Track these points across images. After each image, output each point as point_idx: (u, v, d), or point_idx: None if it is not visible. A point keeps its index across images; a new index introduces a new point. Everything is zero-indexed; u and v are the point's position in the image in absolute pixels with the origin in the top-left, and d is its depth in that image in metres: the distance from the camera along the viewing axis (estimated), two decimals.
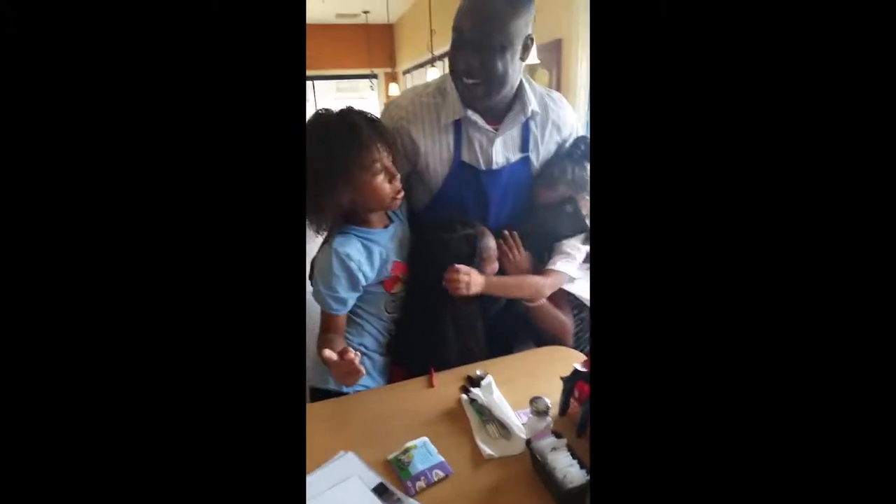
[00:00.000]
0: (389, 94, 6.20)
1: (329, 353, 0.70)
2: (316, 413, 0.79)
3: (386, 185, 0.82)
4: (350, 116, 0.81)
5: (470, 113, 0.88)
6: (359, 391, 0.85)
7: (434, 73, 4.07)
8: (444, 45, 4.63)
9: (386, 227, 0.90)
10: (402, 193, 0.86)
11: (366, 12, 6.08)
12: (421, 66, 6.01)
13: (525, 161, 0.94)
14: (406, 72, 6.58)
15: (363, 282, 0.85)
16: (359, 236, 0.85)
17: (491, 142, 0.91)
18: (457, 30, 0.83)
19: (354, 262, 0.82)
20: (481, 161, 0.92)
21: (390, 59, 6.76)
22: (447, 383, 0.84)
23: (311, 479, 0.62)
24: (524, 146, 0.93)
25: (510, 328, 1.04)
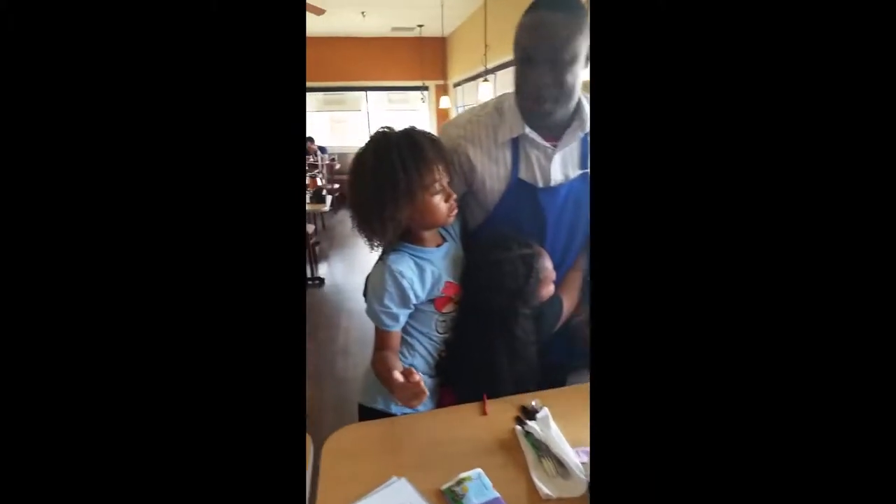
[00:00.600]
0: (441, 106, 6.28)
1: (397, 375, 0.70)
2: (366, 433, 0.79)
3: (443, 205, 0.83)
4: (413, 135, 0.81)
5: (528, 130, 0.87)
6: (407, 413, 0.84)
7: (486, 87, 4.08)
8: (496, 60, 4.65)
9: (439, 245, 0.90)
10: (455, 212, 0.86)
11: (420, 26, 6.22)
12: (472, 79, 6.06)
13: (584, 177, 0.91)
14: (457, 84, 6.66)
15: (414, 300, 0.84)
16: (412, 254, 0.85)
17: (549, 158, 0.89)
18: (522, 48, 0.81)
19: (407, 280, 0.82)
20: (539, 178, 0.90)
21: (442, 72, 6.86)
22: (500, 412, 0.82)
23: (370, 500, 0.61)
24: (583, 162, 0.91)
25: (564, 357, 1.01)
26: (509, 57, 5.08)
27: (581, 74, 0.83)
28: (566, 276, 0.98)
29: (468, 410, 0.84)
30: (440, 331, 0.91)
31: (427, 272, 0.85)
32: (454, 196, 0.85)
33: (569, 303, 0.95)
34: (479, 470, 0.66)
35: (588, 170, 0.91)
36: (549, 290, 0.91)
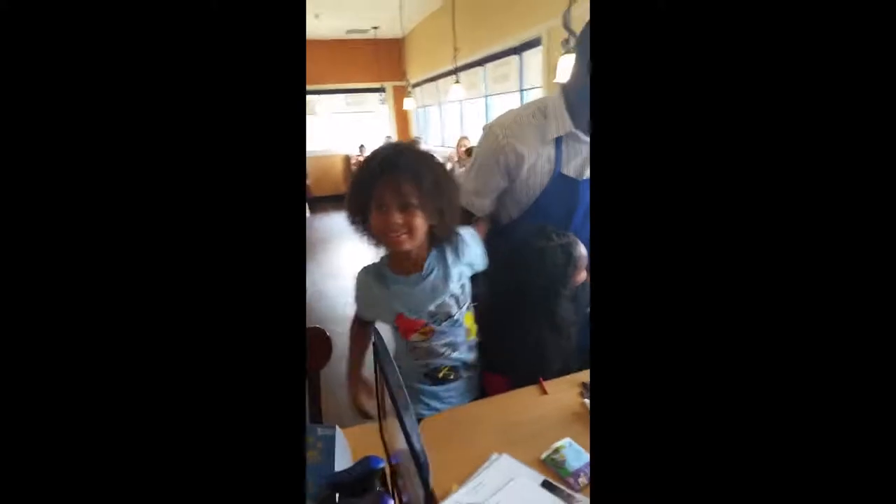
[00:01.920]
0: (404, 107, 6.29)
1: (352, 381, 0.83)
2: (442, 424, 0.85)
3: (392, 224, 0.79)
4: (394, 146, 0.85)
5: (575, 129, 0.96)
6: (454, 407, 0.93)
7: (457, 88, 4.15)
8: (461, 59, 4.71)
9: (409, 274, 0.89)
10: (419, 238, 0.83)
11: (375, 28, 6.20)
12: (433, 79, 6.11)
13: None
14: (416, 85, 6.69)
15: (370, 317, 0.95)
16: (376, 273, 0.92)
17: (588, 154, 0.99)
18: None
19: (360, 294, 0.93)
20: (580, 172, 1.00)
21: (400, 73, 6.86)
22: (560, 391, 0.90)
23: (481, 479, 0.67)
24: None
25: None
26: (472, 57, 5.14)
27: None
28: None
29: (527, 393, 0.91)
30: (413, 357, 0.93)
31: (382, 297, 0.90)
32: (427, 220, 0.82)
33: None
34: (568, 439, 0.74)
35: None
36: (582, 275, 1.00)
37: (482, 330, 1.00)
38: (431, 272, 0.90)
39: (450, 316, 0.92)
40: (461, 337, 0.95)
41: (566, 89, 0.99)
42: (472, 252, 0.95)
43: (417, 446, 0.36)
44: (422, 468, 0.35)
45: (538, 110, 1.00)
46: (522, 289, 0.95)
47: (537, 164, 0.99)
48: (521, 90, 4.03)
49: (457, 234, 0.91)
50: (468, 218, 1.11)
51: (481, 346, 1.00)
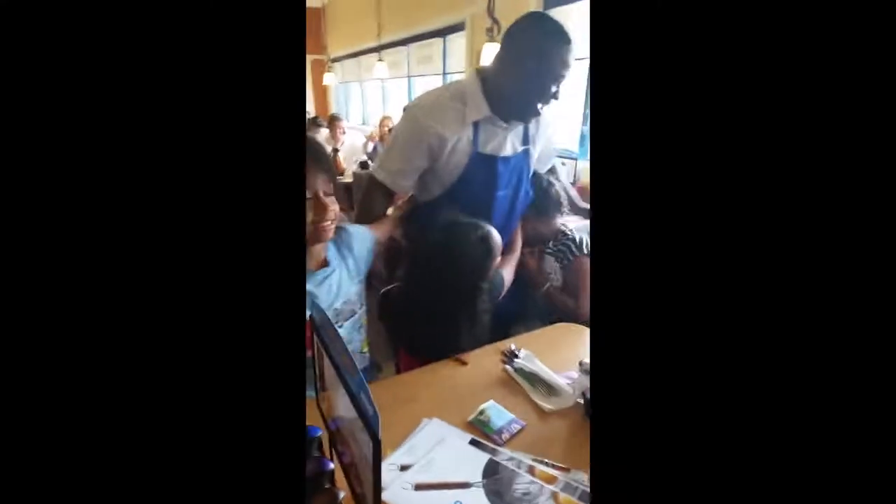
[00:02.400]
0: (324, 82, 6.01)
1: None
2: (375, 393, 0.88)
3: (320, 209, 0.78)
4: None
5: (492, 115, 1.05)
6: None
7: (381, 66, 4.06)
8: (385, 37, 4.59)
9: (313, 269, 0.87)
10: (325, 230, 0.81)
11: None
12: (354, 55, 5.89)
13: (526, 152, 1.15)
14: (335, 60, 6.41)
15: None
16: None
17: (503, 136, 1.09)
18: (555, 76, 0.98)
19: None
20: (497, 150, 1.10)
21: (320, 46, 6.52)
22: (482, 359, 0.97)
23: (413, 442, 0.72)
24: (525, 140, 1.14)
25: (510, 314, 1.24)
26: (396, 36, 5.02)
27: None
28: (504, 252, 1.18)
29: (448, 365, 0.97)
30: None
31: None
32: (328, 212, 0.79)
33: (508, 274, 1.14)
34: (492, 401, 0.81)
35: (528, 146, 1.14)
36: (496, 261, 1.07)
37: (399, 316, 1.04)
38: (339, 266, 0.90)
39: (354, 313, 0.93)
40: (356, 344, 0.96)
41: (483, 76, 1.06)
42: (361, 246, 0.96)
43: (366, 400, 0.39)
44: (370, 421, 0.37)
45: (456, 95, 1.06)
46: (444, 284, 0.99)
47: (458, 145, 1.05)
48: (445, 73, 4.06)
49: (344, 227, 0.92)
50: (390, 196, 1.14)
51: (398, 331, 1.04)
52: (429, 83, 4.45)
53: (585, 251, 1.24)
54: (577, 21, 2.56)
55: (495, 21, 2.55)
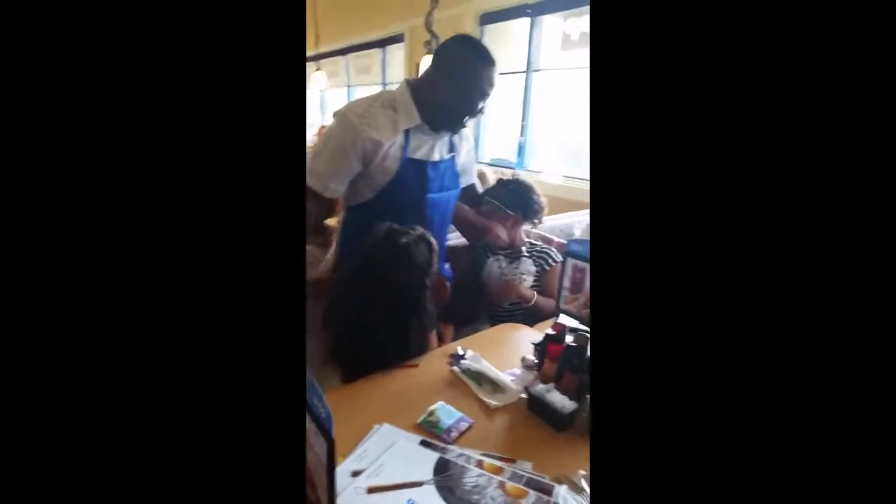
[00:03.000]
0: None
1: None
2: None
3: None
4: None
5: (422, 123, 1.12)
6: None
7: (319, 76, 4.00)
8: (323, 46, 4.52)
9: None
10: None
11: None
12: None
13: (452, 158, 1.25)
14: None
15: None
16: None
17: (431, 143, 1.17)
18: (481, 94, 1.08)
19: None
20: (426, 156, 1.17)
21: None
22: (430, 363, 1.00)
23: (364, 448, 0.72)
24: (451, 148, 1.24)
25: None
26: (334, 46, 4.93)
27: None
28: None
29: (397, 371, 0.98)
30: None
31: None
32: None
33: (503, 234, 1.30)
34: (441, 402, 0.84)
35: (454, 153, 1.24)
36: (435, 264, 1.11)
37: (344, 322, 1.04)
38: None
39: None
40: None
41: (413, 85, 1.12)
42: None
43: (319, 404, 0.40)
44: (324, 423, 0.39)
45: (387, 103, 1.11)
46: (392, 282, 0.99)
47: (390, 150, 1.10)
48: (384, 83, 4.08)
49: None
50: (322, 203, 1.15)
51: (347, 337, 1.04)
52: (369, 93, 4.44)
53: (560, 259, 1.37)
54: (517, 36, 2.68)
55: (433, 34, 2.61)
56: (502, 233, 1.33)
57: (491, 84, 1.08)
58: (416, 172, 1.14)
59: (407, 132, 1.12)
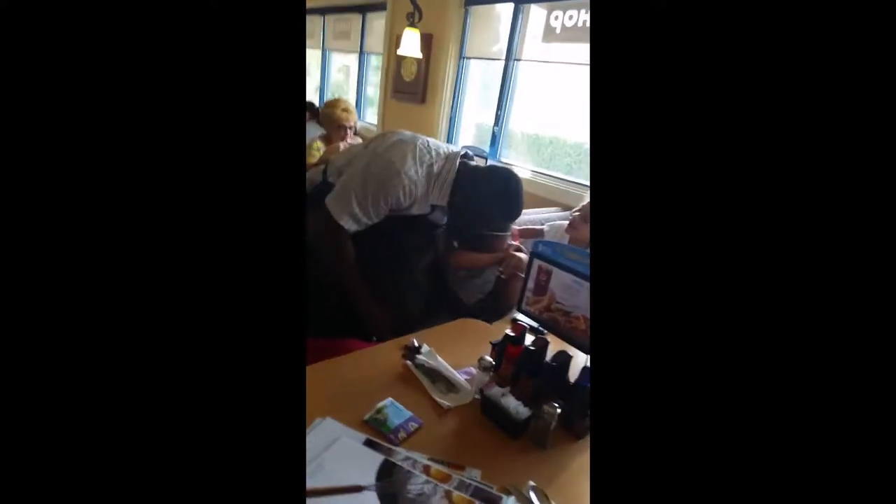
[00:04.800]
0: None
1: None
2: None
3: None
4: None
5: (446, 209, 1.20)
6: None
7: None
8: None
9: None
10: None
11: None
12: None
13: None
14: None
15: None
16: None
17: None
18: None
19: None
20: (438, 220, 1.24)
21: None
22: (386, 354, 0.95)
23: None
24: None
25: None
26: (317, 2, 4.64)
27: None
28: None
29: (353, 359, 0.94)
30: None
31: None
32: None
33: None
34: (390, 398, 0.79)
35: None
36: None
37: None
38: None
39: None
40: None
41: (458, 180, 1.12)
42: None
43: None
44: None
45: (430, 172, 1.11)
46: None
47: (413, 210, 1.13)
48: (362, 51, 3.90)
49: None
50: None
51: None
52: (346, 59, 4.25)
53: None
54: (504, 21, 2.61)
55: (417, 7, 2.50)
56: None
57: (512, 218, 1.18)
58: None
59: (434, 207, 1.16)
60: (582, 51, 2.21)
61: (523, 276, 1.28)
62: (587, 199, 1.61)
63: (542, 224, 1.80)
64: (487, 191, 1.11)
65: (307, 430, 0.70)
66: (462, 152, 1.16)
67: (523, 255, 1.29)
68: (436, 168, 1.11)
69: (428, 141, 1.14)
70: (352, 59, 4.07)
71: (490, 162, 2.59)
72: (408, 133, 1.15)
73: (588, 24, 2.18)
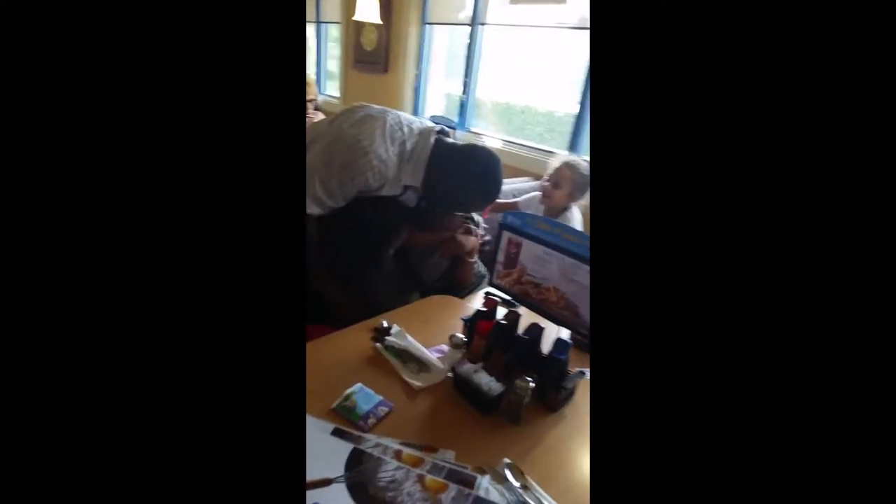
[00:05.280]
0: None
1: None
2: None
3: None
4: None
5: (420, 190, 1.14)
6: None
7: None
8: None
9: None
10: None
11: None
12: None
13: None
14: None
15: None
16: None
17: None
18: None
19: None
20: (409, 201, 1.17)
21: None
22: (353, 337, 0.91)
23: None
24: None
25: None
26: None
27: None
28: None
29: (322, 343, 0.90)
30: None
31: None
32: None
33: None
34: (359, 384, 0.76)
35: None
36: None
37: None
38: None
39: None
40: None
41: (432, 161, 1.04)
42: None
43: None
44: None
45: (402, 150, 1.02)
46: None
47: (384, 191, 1.06)
48: (318, 21, 3.71)
49: None
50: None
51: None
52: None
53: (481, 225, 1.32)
54: None
55: None
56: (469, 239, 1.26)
57: (490, 202, 1.13)
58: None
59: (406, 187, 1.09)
60: (551, 12, 2.14)
61: (471, 260, 1.26)
62: (555, 164, 1.57)
63: (516, 196, 1.77)
64: (465, 172, 1.05)
65: None
66: (438, 128, 1.08)
67: (469, 239, 1.24)
68: (409, 145, 1.04)
69: (399, 115, 1.05)
70: (309, 31, 3.87)
71: (459, 132, 2.52)
72: (376, 107, 1.06)
73: None
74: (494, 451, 0.67)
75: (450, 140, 1.09)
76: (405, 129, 1.04)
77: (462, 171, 1.04)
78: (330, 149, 1.00)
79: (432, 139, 1.05)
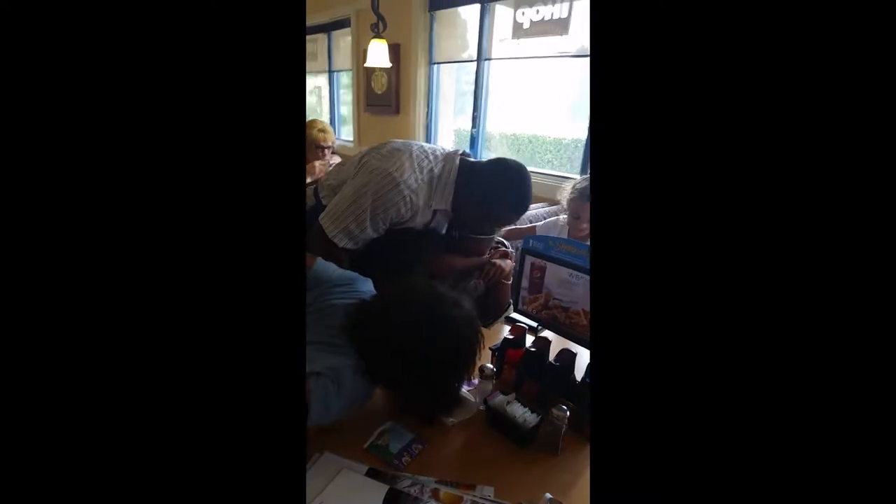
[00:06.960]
0: None
1: None
2: None
3: None
4: None
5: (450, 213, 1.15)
6: None
7: None
8: None
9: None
10: None
11: None
12: None
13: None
14: None
15: None
16: None
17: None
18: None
19: None
20: (440, 226, 1.19)
21: None
22: None
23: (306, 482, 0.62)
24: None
25: None
26: None
27: None
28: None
29: None
30: None
31: None
32: None
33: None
34: (390, 422, 0.75)
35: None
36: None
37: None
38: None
39: None
40: None
41: (460, 182, 1.05)
42: None
43: None
44: None
45: (429, 176, 1.05)
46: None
47: (416, 220, 1.08)
48: (331, 70, 3.89)
49: None
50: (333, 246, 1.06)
51: None
52: (317, 81, 4.23)
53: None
54: (471, 23, 2.60)
55: (380, 18, 2.48)
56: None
57: (521, 212, 1.11)
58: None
59: (435, 212, 1.10)
60: (552, 43, 2.20)
61: (508, 283, 1.23)
62: (566, 197, 1.52)
63: (532, 222, 1.77)
64: (494, 182, 1.03)
65: (309, 465, 0.66)
66: (461, 151, 1.10)
67: (506, 263, 1.22)
68: (437, 171, 1.06)
69: (423, 145, 1.09)
70: (322, 81, 4.06)
71: None
72: (399, 141, 1.10)
73: (555, 17, 2.18)
74: (534, 486, 0.64)
75: (472, 159, 1.10)
76: (431, 157, 1.07)
77: (490, 182, 1.03)
78: (361, 184, 1.03)
79: (457, 161, 1.07)
